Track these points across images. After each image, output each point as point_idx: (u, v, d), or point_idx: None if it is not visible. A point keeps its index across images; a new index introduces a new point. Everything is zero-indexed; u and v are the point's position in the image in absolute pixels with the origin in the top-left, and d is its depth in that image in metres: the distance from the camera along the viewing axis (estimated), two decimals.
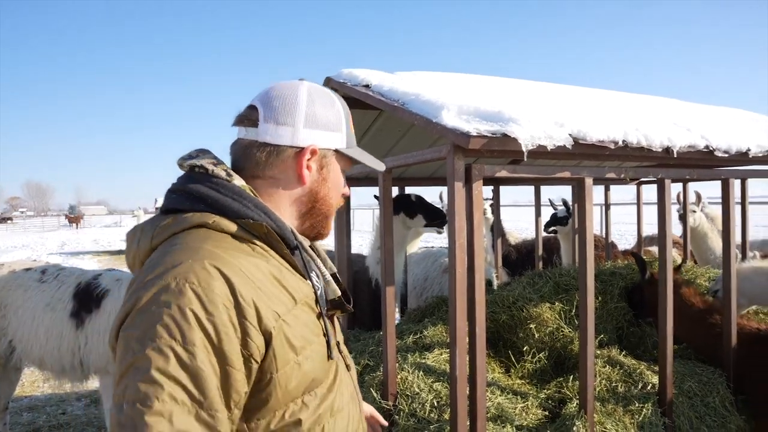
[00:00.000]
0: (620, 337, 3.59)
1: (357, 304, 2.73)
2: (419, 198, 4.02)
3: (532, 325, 3.29)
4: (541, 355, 3.24)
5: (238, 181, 1.11)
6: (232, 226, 1.05)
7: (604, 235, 5.78)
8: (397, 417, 2.58)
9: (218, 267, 0.96)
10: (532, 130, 2.03)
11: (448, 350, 3.04)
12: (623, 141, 2.27)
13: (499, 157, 2.14)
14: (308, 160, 1.16)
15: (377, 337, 3.45)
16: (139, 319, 0.91)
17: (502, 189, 5.19)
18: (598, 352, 3.14)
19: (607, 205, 4.94)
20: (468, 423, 2.16)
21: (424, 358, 3.00)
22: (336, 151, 1.21)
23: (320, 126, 1.17)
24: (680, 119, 2.70)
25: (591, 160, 2.48)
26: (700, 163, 2.70)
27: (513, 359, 3.24)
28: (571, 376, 2.96)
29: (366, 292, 4.11)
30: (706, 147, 2.52)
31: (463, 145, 1.97)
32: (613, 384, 2.84)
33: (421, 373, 2.78)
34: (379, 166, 1.32)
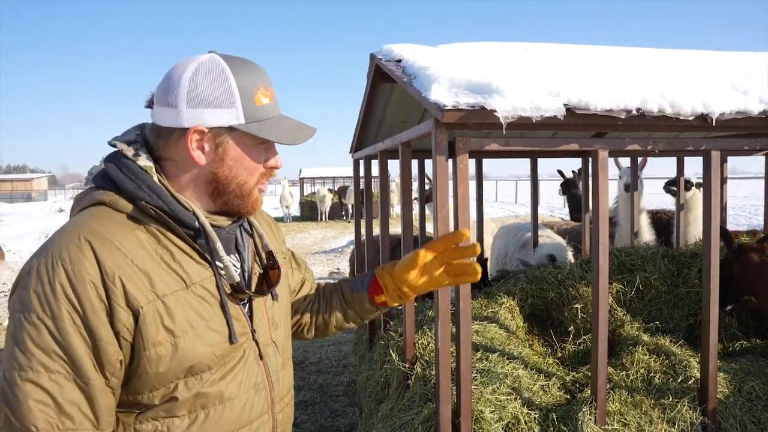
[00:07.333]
0: (692, 326, 3.23)
1: None
2: None
3: (577, 305, 3.12)
4: (586, 336, 3.07)
5: (143, 161, 1.13)
6: (129, 206, 1.10)
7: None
8: (410, 382, 2.69)
9: (92, 244, 1.03)
10: (516, 102, 1.93)
11: (477, 322, 3.03)
12: (638, 109, 2.04)
13: (486, 129, 2.08)
14: (198, 140, 1.13)
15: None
16: (19, 291, 1.02)
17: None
18: (646, 339, 2.89)
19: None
20: (453, 395, 2.20)
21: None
22: (232, 128, 1.13)
23: (205, 103, 1.10)
24: (739, 80, 2.30)
25: (609, 131, 2.27)
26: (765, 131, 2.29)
27: (554, 338, 3.12)
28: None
29: None
30: (764, 112, 2.14)
31: (439, 119, 1.96)
32: (651, 374, 2.61)
33: None
34: (290, 140, 1.17)
